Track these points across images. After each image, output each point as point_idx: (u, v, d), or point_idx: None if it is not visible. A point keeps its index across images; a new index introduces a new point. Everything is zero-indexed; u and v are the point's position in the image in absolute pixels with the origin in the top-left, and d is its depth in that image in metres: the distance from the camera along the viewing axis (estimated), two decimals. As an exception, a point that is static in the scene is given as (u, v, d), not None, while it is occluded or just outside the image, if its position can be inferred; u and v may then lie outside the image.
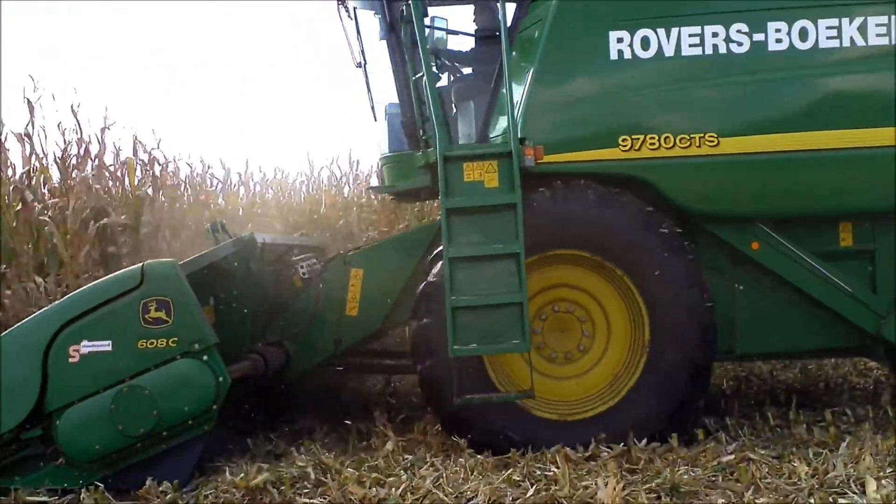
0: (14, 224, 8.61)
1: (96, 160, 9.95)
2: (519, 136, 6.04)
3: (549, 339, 6.35)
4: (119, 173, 10.35)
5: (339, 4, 7.36)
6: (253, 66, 25.90)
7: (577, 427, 6.06)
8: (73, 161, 9.78)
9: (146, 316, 5.43)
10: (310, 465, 5.61)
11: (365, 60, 7.40)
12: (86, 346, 5.42)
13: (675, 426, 5.99)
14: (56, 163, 9.57)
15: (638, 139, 6.15)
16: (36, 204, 8.94)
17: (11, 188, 8.93)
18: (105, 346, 5.43)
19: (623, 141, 6.16)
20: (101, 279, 5.81)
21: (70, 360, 5.42)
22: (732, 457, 5.55)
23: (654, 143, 6.15)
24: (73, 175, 9.59)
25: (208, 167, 12.11)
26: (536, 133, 6.14)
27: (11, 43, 23.00)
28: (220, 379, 5.47)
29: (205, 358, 5.45)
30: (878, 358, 6.79)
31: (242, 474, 5.46)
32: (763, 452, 5.66)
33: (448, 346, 5.75)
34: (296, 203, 11.73)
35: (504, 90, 6.07)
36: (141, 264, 5.51)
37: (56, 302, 5.83)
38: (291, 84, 25.94)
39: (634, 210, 6.10)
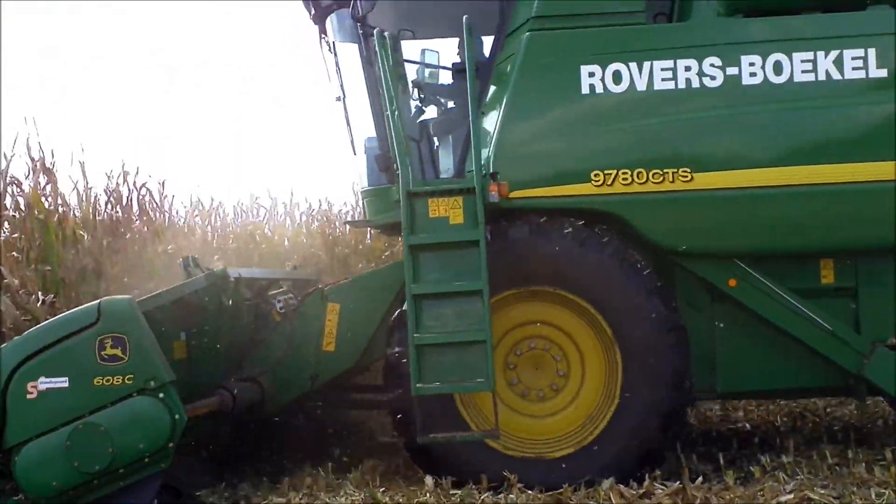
0: (66, 255, 8.68)
1: (144, 190, 10.08)
2: (491, 170, 5.98)
3: (526, 379, 6.26)
4: (165, 206, 10.51)
5: (320, 39, 7.37)
6: (253, 65, 26.05)
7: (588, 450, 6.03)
8: (124, 192, 9.92)
9: (102, 353, 5.40)
10: (358, 500, 5.58)
11: (344, 94, 7.39)
12: (43, 383, 5.41)
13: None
14: (106, 193, 9.72)
15: (610, 174, 6.07)
16: (84, 234, 9.03)
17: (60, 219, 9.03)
18: (62, 382, 5.41)
19: (595, 176, 6.08)
20: (58, 315, 5.83)
21: (28, 396, 5.40)
22: (791, 496, 5.41)
23: (626, 179, 6.06)
24: (118, 208, 9.73)
25: (256, 198, 12.31)
26: (508, 167, 6.09)
27: (11, 43, 23.29)
28: (177, 416, 5.42)
29: (161, 395, 5.42)
30: (860, 397, 6.58)
31: None
32: (823, 492, 5.48)
33: (411, 383, 5.69)
34: (341, 234, 11.70)
35: (481, 124, 6.04)
36: (98, 301, 5.51)
37: (15, 338, 5.84)
38: (291, 84, 26.05)
39: (604, 246, 6.02)
